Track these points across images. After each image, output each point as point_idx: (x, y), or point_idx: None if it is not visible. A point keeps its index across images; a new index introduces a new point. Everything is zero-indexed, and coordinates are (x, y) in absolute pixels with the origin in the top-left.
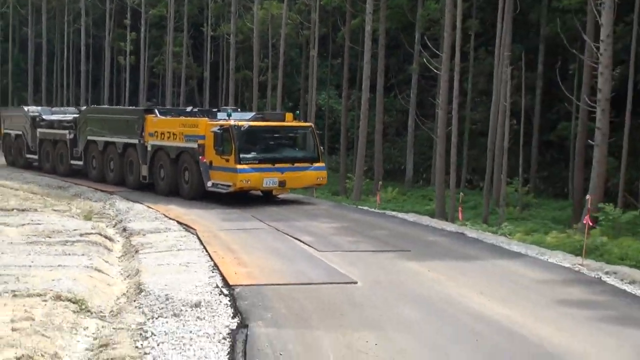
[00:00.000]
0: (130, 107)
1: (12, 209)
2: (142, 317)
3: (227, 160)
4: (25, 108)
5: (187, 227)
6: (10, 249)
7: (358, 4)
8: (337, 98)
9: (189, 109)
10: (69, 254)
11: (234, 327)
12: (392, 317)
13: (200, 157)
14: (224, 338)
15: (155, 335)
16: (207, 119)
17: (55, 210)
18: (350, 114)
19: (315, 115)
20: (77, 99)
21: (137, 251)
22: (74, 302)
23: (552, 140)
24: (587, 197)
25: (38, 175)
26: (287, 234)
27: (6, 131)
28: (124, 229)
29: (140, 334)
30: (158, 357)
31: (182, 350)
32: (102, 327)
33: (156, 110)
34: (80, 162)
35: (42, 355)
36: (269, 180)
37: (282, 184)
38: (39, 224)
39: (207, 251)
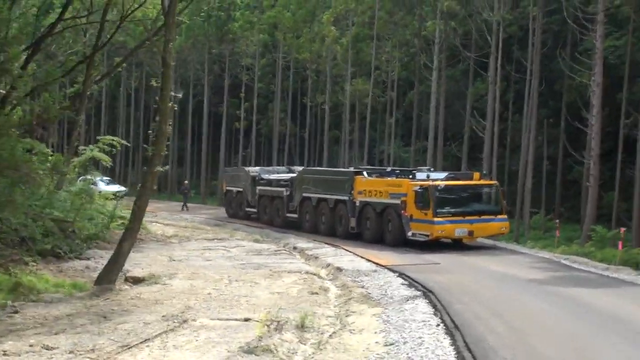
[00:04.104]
0: (342, 169)
1: (213, 239)
2: (350, 278)
3: (426, 214)
4: (246, 168)
5: (334, 245)
6: (251, 258)
7: (423, 75)
8: (402, 147)
9: (389, 169)
10: (285, 258)
11: (397, 274)
12: (457, 271)
13: (402, 211)
14: (396, 277)
15: (362, 281)
16: (408, 179)
17: (236, 239)
18: (414, 160)
19: (387, 163)
20: (199, 156)
21: (316, 257)
22: (314, 274)
23: (571, 179)
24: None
25: (203, 218)
26: (402, 248)
27: (228, 188)
28: (294, 247)
29: (354, 281)
30: (367, 284)
31: (376, 281)
32: (334, 280)
33: (364, 173)
34: (295, 215)
35: (325, 287)
36: (460, 230)
37: (470, 233)
38: (243, 246)
39: (357, 255)
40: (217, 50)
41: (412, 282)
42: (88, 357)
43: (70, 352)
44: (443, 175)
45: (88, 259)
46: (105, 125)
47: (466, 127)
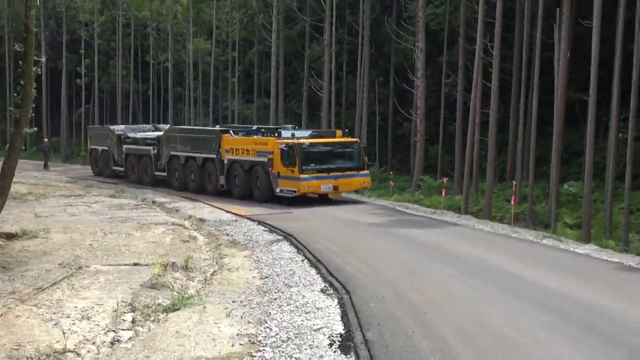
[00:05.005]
0: (208, 128)
1: (70, 196)
2: (214, 227)
3: (292, 171)
4: (112, 127)
5: (192, 200)
6: (115, 212)
7: (262, 35)
8: (244, 104)
9: (254, 127)
10: (147, 211)
11: (257, 222)
12: (311, 219)
13: (269, 168)
14: (257, 225)
15: (225, 229)
16: (274, 138)
17: (93, 195)
18: (257, 116)
19: (230, 119)
20: (38, 114)
21: (177, 210)
22: (179, 225)
23: (401, 134)
24: (514, 182)
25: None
26: (255, 201)
27: (93, 147)
28: (153, 202)
29: (218, 230)
30: (231, 232)
31: (239, 229)
32: (198, 230)
33: (231, 131)
34: (164, 174)
35: (193, 236)
36: (325, 186)
37: (335, 188)
38: (102, 202)
39: (215, 207)
40: (52, 4)
41: (272, 229)
42: (12, 298)
43: None
44: (307, 133)
45: None
46: None
47: (305, 85)
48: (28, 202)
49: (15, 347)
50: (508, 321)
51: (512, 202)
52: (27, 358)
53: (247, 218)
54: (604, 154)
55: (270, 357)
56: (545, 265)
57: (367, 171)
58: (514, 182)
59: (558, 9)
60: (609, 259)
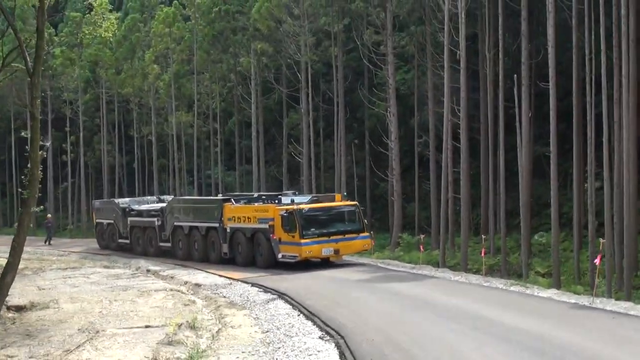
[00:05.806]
0: (211, 198)
1: (67, 268)
2: (209, 291)
3: (293, 237)
4: (116, 200)
5: (185, 267)
6: (113, 281)
7: (241, 106)
8: (226, 171)
9: (255, 195)
10: (144, 280)
11: (251, 284)
12: (300, 278)
13: (271, 235)
14: (251, 287)
15: (222, 292)
16: (275, 204)
17: (89, 267)
18: (239, 183)
19: (214, 187)
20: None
21: (172, 277)
22: (178, 291)
23: (378, 194)
24: (483, 236)
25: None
26: (245, 265)
27: (98, 220)
28: (147, 270)
29: (215, 293)
30: (227, 294)
31: (235, 291)
32: (196, 294)
33: (232, 200)
34: (168, 244)
35: (192, 300)
36: (326, 249)
37: (336, 252)
38: (99, 272)
39: (207, 272)
40: None
41: (266, 289)
42: (46, 359)
43: (30, 357)
44: (307, 198)
45: None
46: None
47: (284, 152)
48: (27, 276)
49: None
50: (475, 351)
51: (482, 255)
52: None
53: (241, 281)
54: (571, 204)
55: None
56: (510, 307)
57: (367, 233)
58: (482, 237)
59: (516, 75)
60: (567, 300)
